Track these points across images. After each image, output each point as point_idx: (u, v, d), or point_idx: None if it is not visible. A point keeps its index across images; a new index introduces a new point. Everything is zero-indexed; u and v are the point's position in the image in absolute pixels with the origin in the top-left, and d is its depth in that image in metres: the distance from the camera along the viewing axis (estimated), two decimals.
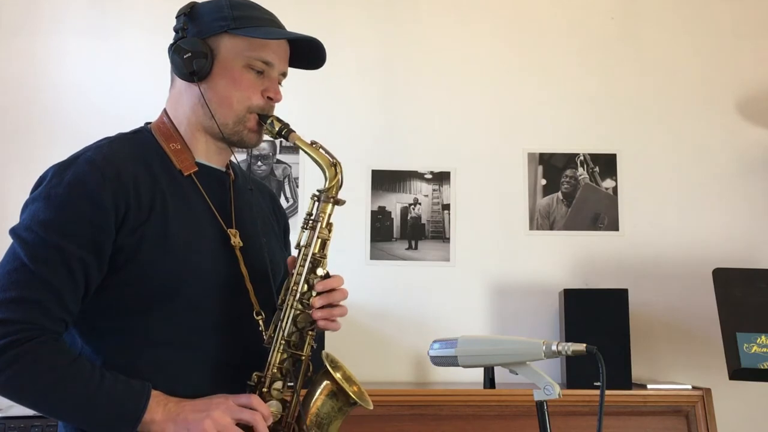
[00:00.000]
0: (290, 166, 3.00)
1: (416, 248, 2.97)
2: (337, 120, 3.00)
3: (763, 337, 2.28)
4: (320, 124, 2.84)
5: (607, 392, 2.37)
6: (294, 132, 1.44)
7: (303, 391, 1.43)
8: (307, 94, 2.86)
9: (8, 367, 1.20)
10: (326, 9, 3.08)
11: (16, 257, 1.25)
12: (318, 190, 1.46)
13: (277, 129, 1.43)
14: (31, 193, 1.33)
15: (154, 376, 1.30)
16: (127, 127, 1.52)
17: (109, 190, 1.29)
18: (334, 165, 1.44)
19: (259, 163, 2.98)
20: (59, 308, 1.25)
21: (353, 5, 3.10)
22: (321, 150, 1.45)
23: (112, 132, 1.47)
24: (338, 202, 1.45)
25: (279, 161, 3.00)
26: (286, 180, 2.99)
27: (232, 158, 1.54)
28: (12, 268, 1.24)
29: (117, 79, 3.01)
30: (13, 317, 1.21)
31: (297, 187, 2.98)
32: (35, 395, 1.24)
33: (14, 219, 1.32)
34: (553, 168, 3.02)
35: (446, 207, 3.00)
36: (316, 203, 1.45)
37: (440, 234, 2.98)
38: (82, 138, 1.52)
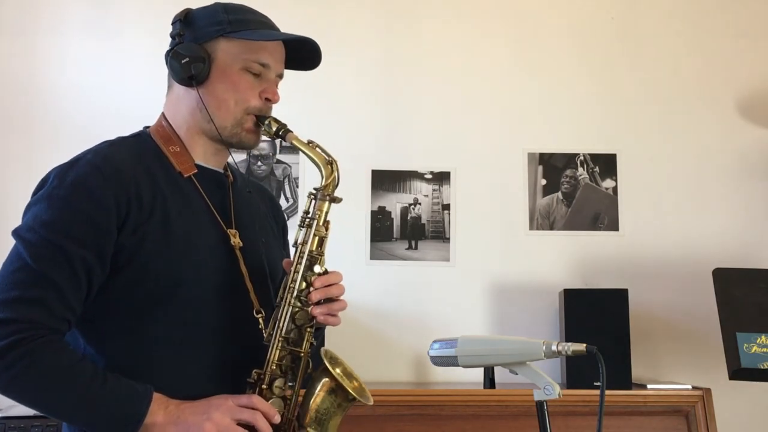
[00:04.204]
0: (290, 166, 3.00)
1: (416, 248, 2.97)
2: (337, 120, 3.00)
3: (763, 337, 2.28)
4: (320, 124, 2.84)
5: (607, 392, 2.37)
6: (291, 132, 1.45)
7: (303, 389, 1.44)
8: (307, 94, 2.86)
9: (12, 366, 1.20)
10: (326, 9, 3.08)
11: (19, 257, 1.26)
12: (314, 188, 1.47)
13: (274, 129, 1.45)
14: (33, 195, 1.34)
15: (157, 376, 1.31)
16: (128, 127, 1.53)
17: (110, 190, 1.30)
18: (330, 163, 1.45)
19: (259, 163, 2.98)
20: (62, 307, 1.25)
21: (353, 5, 3.10)
22: (317, 149, 1.46)
23: (112, 131, 1.48)
24: (335, 200, 1.46)
25: (279, 161, 3.00)
26: (286, 180, 2.99)
27: (230, 160, 1.55)
28: (15, 268, 1.25)
29: (117, 79, 3.01)
30: (17, 316, 1.22)
31: (297, 187, 2.98)
32: (38, 395, 1.24)
33: (15, 219, 1.32)
34: (553, 168, 3.02)
35: (446, 207, 3.00)
36: (313, 201, 1.46)
37: (440, 234, 2.98)
38: (83, 138, 1.53)
